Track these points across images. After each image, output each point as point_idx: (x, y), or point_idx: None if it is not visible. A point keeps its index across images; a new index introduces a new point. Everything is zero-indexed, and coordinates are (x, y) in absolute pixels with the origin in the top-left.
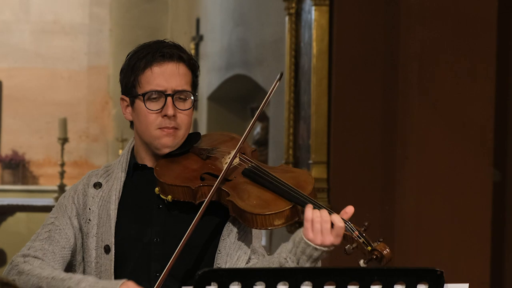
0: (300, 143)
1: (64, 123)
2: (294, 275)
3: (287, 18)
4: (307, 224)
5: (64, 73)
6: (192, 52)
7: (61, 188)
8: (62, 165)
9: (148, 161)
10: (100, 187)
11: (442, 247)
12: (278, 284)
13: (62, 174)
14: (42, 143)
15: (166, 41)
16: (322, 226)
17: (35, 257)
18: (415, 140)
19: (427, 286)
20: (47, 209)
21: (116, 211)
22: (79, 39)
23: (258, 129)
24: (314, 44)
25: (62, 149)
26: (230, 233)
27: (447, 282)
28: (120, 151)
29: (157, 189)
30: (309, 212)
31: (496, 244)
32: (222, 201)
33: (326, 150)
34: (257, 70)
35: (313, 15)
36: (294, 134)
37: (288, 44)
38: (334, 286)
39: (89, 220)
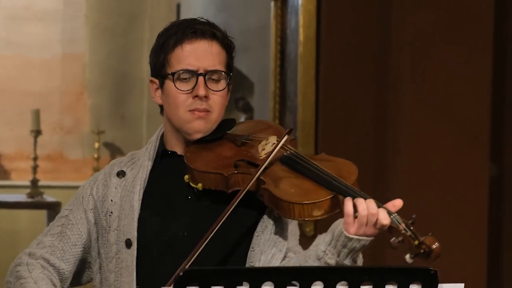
0: None
1: (36, 115)
2: (281, 274)
3: (272, 3)
4: (348, 218)
5: (37, 61)
6: None
7: (34, 183)
8: (35, 159)
9: (178, 148)
10: (123, 176)
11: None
12: (263, 285)
13: (35, 168)
14: (14, 136)
15: (198, 18)
16: (368, 219)
17: (42, 258)
18: (407, 134)
19: (420, 286)
20: (19, 205)
21: (140, 202)
22: (53, 25)
23: (242, 119)
24: (301, 30)
25: (35, 142)
26: (264, 229)
27: (441, 282)
28: (96, 144)
29: (186, 176)
30: (350, 205)
31: (493, 242)
32: (258, 191)
33: (313, 143)
34: (241, 58)
35: (300, 0)
36: (280, 126)
37: (273, 30)
38: (322, 286)
39: (111, 212)
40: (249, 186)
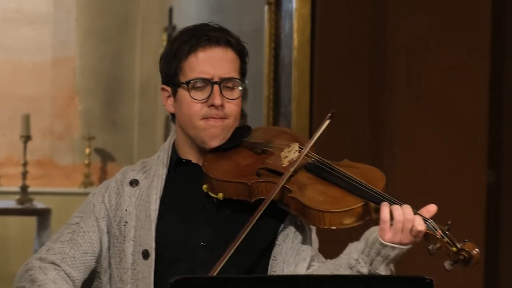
0: None
1: (27, 120)
2: (275, 283)
3: (266, 7)
4: (383, 225)
5: (27, 65)
6: (165, 43)
7: (24, 190)
8: (25, 164)
9: (193, 157)
10: (137, 185)
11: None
12: None
13: (24, 174)
14: (3, 141)
15: (211, 24)
16: (404, 225)
17: (52, 263)
18: (403, 138)
19: None
20: (8, 212)
21: (157, 212)
22: (43, 28)
23: None
24: (295, 35)
25: (25, 147)
26: (286, 238)
27: None
28: (87, 150)
29: (205, 186)
30: (386, 211)
31: (490, 249)
32: (283, 200)
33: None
34: None
35: (294, 4)
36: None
37: (267, 35)
38: None
39: (126, 222)
40: (274, 195)
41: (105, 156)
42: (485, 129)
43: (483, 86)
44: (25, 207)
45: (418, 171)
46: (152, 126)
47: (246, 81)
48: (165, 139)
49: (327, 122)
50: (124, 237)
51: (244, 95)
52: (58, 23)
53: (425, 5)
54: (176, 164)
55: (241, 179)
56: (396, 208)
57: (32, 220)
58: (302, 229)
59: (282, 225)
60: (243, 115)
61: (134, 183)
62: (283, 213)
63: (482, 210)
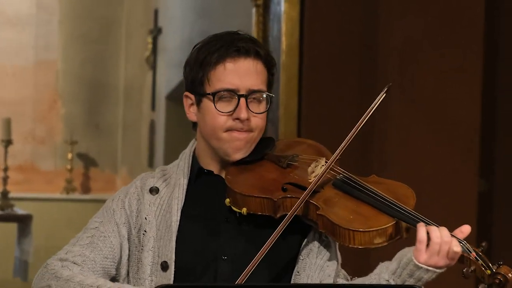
0: None
1: (8, 124)
2: None
3: (254, 10)
4: (420, 245)
5: (8, 68)
6: (150, 46)
7: (4, 195)
8: (6, 169)
9: (214, 167)
10: (157, 193)
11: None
12: None
13: (5, 179)
14: None
15: (241, 33)
16: (441, 248)
17: (74, 263)
18: (394, 145)
19: None
20: None
21: (178, 223)
22: (25, 31)
23: None
24: (283, 38)
25: (6, 152)
26: (310, 253)
27: None
28: (69, 155)
29: (228, 200)
30: (424, 231)
31: None
32: (308, 216)
33: None
34: None
35: (283, 7)
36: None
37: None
38: None
39: (145, 231)
40: (296, 211)
41: (88, 161)
42: (478, 139)
43: (477, 89)
44: (5, 213)
45: (409, 177)
46: (137, 131)
47: (273, 95)
48: (150, 144)
49: (383, 96)
50: (143, 247)
51: (270, 108)
52: (40, 26)
53: (418, 6)
54: (197, 174)
55: (266, 194)
56: (434, 230)
57: (12, 227)
58: (326, 244)
59: (306, 240)
60: None
61: (154, 190)
62: (307, 227)
63: (473, 219)
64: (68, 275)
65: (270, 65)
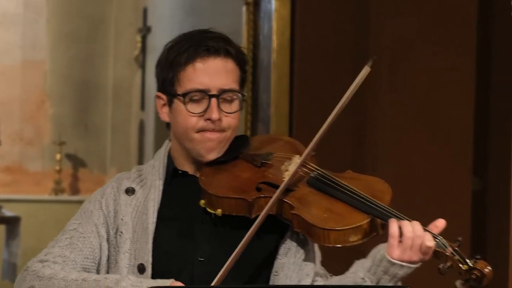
0: None
1: None
2: None
3: (244, 8)
4: (392, 240)
5: None
6: (139, 45)
7: None
8: None
9: (189, 168)
10: (133, 194)
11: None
12: None
13: None
14: None
15: (211, 30)
16: (414, 242)
17: (55, 263)
18: (386, 144)
19: None
20: None
21: (154, 225)
22: (12, 30)
23: None
24: (274, 37)
25: None
26: (287, 252)
27: None
28: (58, 156)
29: (202, 201)
30: (395, 227)
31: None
32: (283, 215)
33: None
34: None
35: (273, 5)
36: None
37: (245, 37)
38: None
39: (121, 232)
40: (270, 211)
41: (77, 162)
42: (471, 137)
43: (469, 89)
44: None
45: (401, 178)
46: (126, 131)
47: (245, 94)
48: (139, 145)
49: (366, 71)
50: (119, 248)
51: (242, 106)
52: (27, 25)
53: (410, 5)
54: (173, 174)
55: (240, 194)
56: (406, 224)
57: (0, 229)
58: (304, 243)
59: (283, 239)
60: None
61: (130, 191)
62: (284, 226)
63: (467, 217)
64: (50, 273)
65: (242, 63)
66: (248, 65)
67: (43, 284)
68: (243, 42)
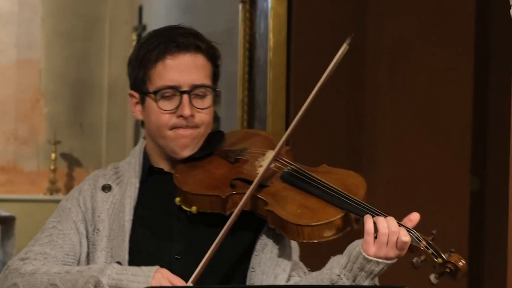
0: None
1: None
2: None
3: (240, 6)
4: (368, 237)
5: None
6: (134, 44)
7: None
8: None
9: (164, 165)
10: (110, 190)
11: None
12: None
13: None
14: None
15: (181, 26)
16: (389, 238)
17: (36, 260)
18: (384, 145)
19: None
20: None
21: (131, 223)
22: (7, 29)
23: None
24: (270, 35)
25: None
26: (264, 247)
27: None
28: (53, 155)
29: (178, 199)
30: (370, 223)
31: (473, 260)
32: (258, 211)
33: None
34: None
35: (270, 3)
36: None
37: (241, 35)
38: None
39: (98, 230)
40: (244, 205)
41: (72, 162)
42: (469, 136)
43: (467, 89)
44: None
45: (400, 178)
46: (121, 130)
47: (218, 89)
48: (135, 144)
49: (344, 48)
50: (96, 246)
51: (216, 101)
52: (22, 23)
53: (409, 5)
54: (149, 172)
55: (214, 191)
56: (381, 220)
57: None
58: (281, 238)
59: (260, 235)
60: (216, 119)
61: (107, 188)
62: (261, 222)
63: (465, 218)
64: (32, 269)
65: (213, 57)
66: (220, 59)
67: (26, 281)
68: (239, 40)
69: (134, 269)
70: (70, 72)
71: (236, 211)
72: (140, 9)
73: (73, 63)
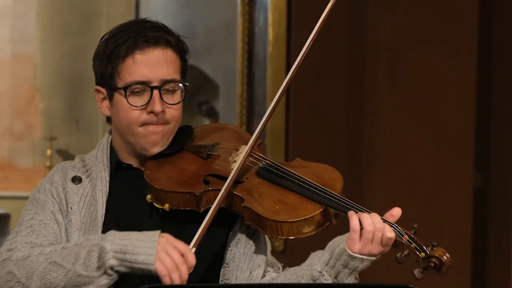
0: None
1: None
2: None
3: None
4: (354, 234)
5: None
6: None
7: None
8: None
9: (132, 161)
10: (80, 182)
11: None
12: None
13: None
14: None
15: (149, 20)
16: (375, 235)
17: (24, 248)
18: (384, 141)
19: None
20: None
21: (103, 218)
22: (2, 23)
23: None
24: (270, 29)
25: None
26: (238, 243)
27: None
28: (49, 151)
29: (149, 196)
30: (356, 220)
31: (476, 257)
32: (233, 208)
33: (283, 151)
34: (205, 59)
35: None
36: (248, 132)
37: (240, 29)
38: None
39: (71, 222)
40: (219, 204)
41: (68, 158)
42: (472, 131)
43: (470, 86)
44: None
45: (401, 175)
46: None
47: (186, 83)
48: None
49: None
50: (69, 239)
51: (184, 96)
52: (17, 17)
53: (409, 0)
54: (116, 168)
55: (187, 188)
56: (366, 217)
57: None
58: (254, 233)
59: (233, 230)
60: (215, 114)
61: (77, 180)
62: (233, 217)
63: (469, 214)
64: (24, 254)
65: (182, 52)
66: (188, 54)
67: (21, 266)
68: (238, 34)
69: (136, 234)
70: (66, 67)
71: (213, 208)
72: (137, 3)
73: (69, 58)
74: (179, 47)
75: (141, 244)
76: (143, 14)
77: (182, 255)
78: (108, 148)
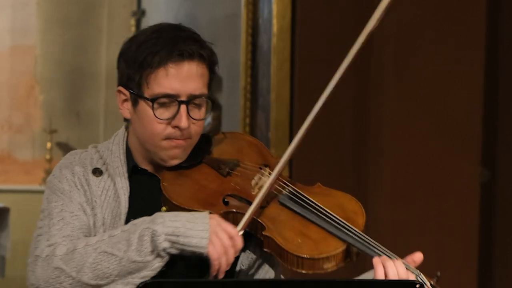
0: (258, 135)
1: None
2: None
3: None
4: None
5: None
6: (133, 29)
7: None
8: None
9: (147, 166)
10: (100, 175)
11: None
12: None
13: None
14: None
15: (183, 28)
16: None
17: (64, 242)
18: (390, 136)
19: None
20: None
21: (126, 215)
22: (1, 13)
23: (209, 119)
24: (274, 20)
25: None
26: (253, 264)
27: None
28: (48, 144)
29: (164, 208)
30: (381, 269)
31: (484, 253)
32: (252, 232)
33: (287, 144)
34: None
35: None
36: (251, 125)
37: (244, 20)
38: None
39: (96, 215)
40: (243, 231)
41: (68, 151)
42: (480, 127)
43: (477, 81)
44: None
45: (407, 171)
46: (119, 119)
47: (214, 100)
48: None
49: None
50: (94, 232)
51: (209, 110)
52: (17, 9)
53: None
54: (132, 170)
55: (206, 207)
56: (390, 266)
57: None
58: (268, 257)
59: (246, 251)
60: (218, 107)
61: (98, 172)
62: (247, 235)
63: (476, 210)
64: (68, 248)
65: (213, 65)
66: (218, 65)
67: (68, 260)
68: (242, 26)
69: (186, 215)
70: (67, 59)
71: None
72: None
73: (69, 49)
74: (211, 60)
75: (193, 227)
76: (146, 5)
77: (231, 238)
78: (124, 144)
